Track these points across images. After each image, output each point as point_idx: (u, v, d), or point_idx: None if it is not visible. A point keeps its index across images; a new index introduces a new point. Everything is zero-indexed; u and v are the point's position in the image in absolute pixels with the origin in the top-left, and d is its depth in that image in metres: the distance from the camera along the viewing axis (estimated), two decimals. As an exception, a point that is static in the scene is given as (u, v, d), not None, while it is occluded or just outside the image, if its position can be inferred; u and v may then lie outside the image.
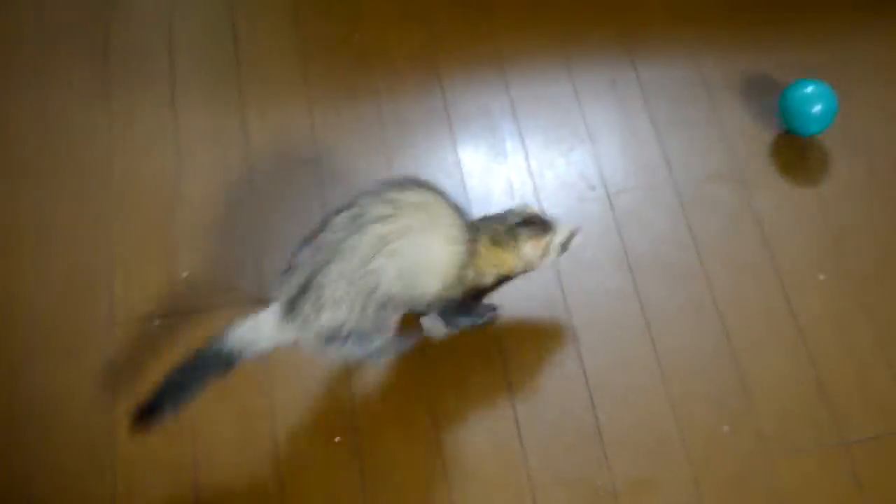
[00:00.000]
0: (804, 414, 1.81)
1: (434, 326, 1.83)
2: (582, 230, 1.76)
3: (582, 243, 1.77)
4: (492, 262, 1.70)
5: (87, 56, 2.18)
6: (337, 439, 1.75)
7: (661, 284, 1.93)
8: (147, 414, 1.58)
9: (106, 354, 1.81)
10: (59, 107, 2.11)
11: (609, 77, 2.20)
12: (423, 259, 1.62)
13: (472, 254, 1.67)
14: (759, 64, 2.22)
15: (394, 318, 1.70)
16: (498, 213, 1.74)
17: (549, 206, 1.98)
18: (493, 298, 1.83)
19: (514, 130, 2.11)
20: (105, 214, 1.97)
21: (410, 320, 1.83)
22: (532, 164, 2.07)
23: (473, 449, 1.76)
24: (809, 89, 2.05)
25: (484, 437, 1.77)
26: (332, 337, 1.60)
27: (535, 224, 1.71)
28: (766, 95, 2.16)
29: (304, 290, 1.56)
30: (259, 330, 1.60)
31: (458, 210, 1.67)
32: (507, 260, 1.71)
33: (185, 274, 1.89)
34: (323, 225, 1.59)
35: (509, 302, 1.87)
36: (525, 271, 1.75)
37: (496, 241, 1.69)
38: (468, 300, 1.76)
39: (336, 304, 1.56)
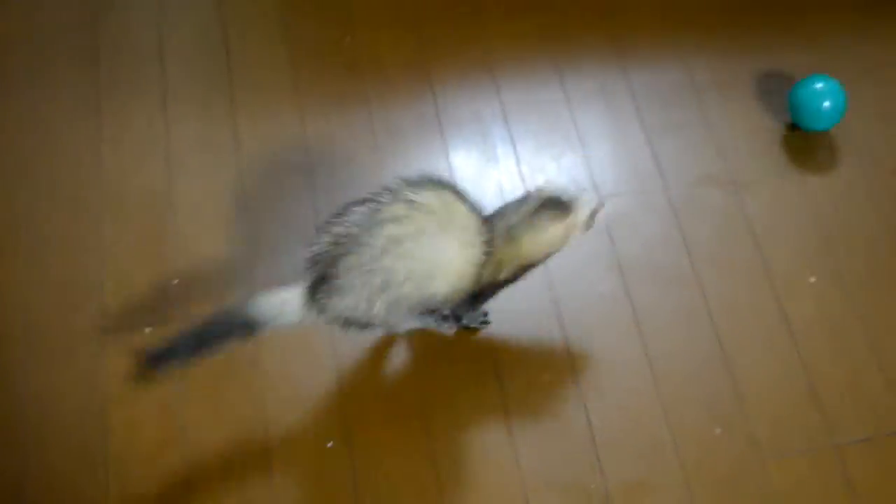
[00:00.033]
0: (796, 416, 1.81)
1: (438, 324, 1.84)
2: (605, 202, 1.72)
3: (610, 213, 1.75)
4: (512, 255, 1.69)
5: (78, 63, 2.18)
6: (329, 444, 1.75)
7: (652, 288, 1.93)
8: (156, 360, 1.59)
9: (97, 362, 1.81)
10: (50, 114, 2.11)
11: (600, 82, 2.21)
12: (434, 262, 1.62)
13: (489, 252, 1.66)
14: (749, 67, 2.23)
15: (407, 316, 1.71)
16: (516, 200, 1.71)
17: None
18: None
19: (505, 136, 2.11)
20: (96, 221, 1.97)
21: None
22: (523, 169, 2.07)
23: (466, 454, 1.76)
24: (820, 85, 2.07)
25: (476, 441, 1.77)
26: (349, 323, 1.65)
27: (555, 206, 1.68)
28: (757, 98, 2.17)
29: (322, 277, 1.60)
30: (284, 307, 1.63)
31: (475, 209, 1.66)
32: (528, 250, 1.69)
33: (175, 281, 1.89)
34: (341, 214, 1.61)
35: (501, 307, 1.87)
36: (551, 255, 1.73)
37: (513, 236, 1.67)
38: (481, 296, 1.76)
39: (347, 295, 1.60)
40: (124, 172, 2.04)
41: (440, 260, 1.62)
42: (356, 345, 1.84)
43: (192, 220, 1.98)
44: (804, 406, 1.82)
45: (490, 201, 1.96)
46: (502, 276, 1.71)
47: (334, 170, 2.05)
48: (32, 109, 2.12)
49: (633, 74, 2.21)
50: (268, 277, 1.88)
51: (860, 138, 2.14)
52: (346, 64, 2.20)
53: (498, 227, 1.67)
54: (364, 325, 1.67)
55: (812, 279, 1.96)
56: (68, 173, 2.04)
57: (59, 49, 2.20)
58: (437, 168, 2.05)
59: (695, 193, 2.05)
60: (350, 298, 1.60)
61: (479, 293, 1.74)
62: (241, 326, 1.62)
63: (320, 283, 1.60)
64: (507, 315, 1.88)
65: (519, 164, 2.08)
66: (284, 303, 1.63)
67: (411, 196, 1.60)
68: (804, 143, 2.13)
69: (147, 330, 1.84)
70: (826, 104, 2.06)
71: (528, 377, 1.83)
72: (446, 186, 1.65)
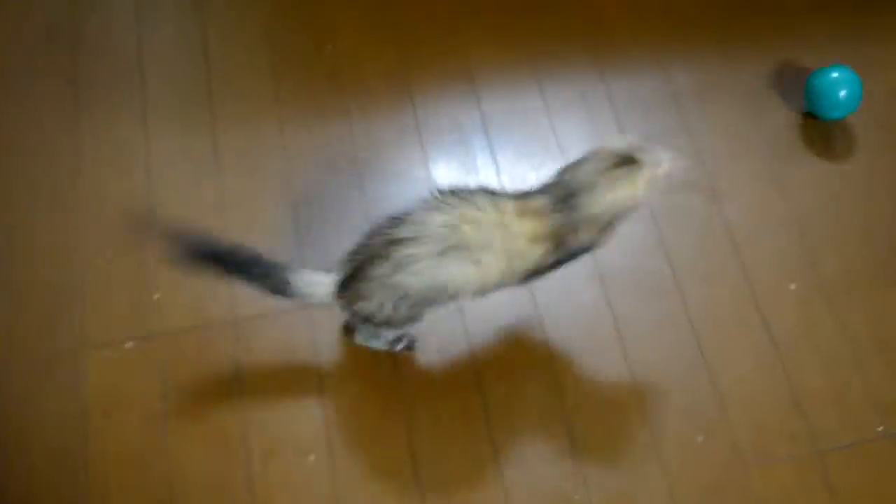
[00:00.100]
0: (778, 423, 1.82)
1: None
2: (674, 155, 1.67)
3: (682, 166, 1.70)
4: (585, 218, 1.64)
5: (57, 75, 2.17)
6: (311, 458, 1.74)
7: (633, 297, 1.94)
8: (187, 249, 1.66)
9: (78, 376, 1.80)
10: (29, 128, 2.10)
11: (579, 90, 2.21)
12: (443, 279, 1.63)
13: (552, 226, 1.64)
14: (728, 73, 2.24)
15: (433, 309, 1.72)
16: (576, 162, 1.67)
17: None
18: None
19: (485, 146, 2.11)
20: (76, 235, 1.96)
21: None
22: (503, 179, 2.07)
23: (448, 464, 1.76)
24: (836, 74, 2.11)
25: (459, 452, 1.77)
26: (368, 320, 1.70)
27: (626, 162, 1.63)
28: (735, 104, 2.18)
29: (351, 277, 1.65)
30: (316, 287, 1.70)
31: (505, 210, 1.64)
32: (603, 209, 1.64)
33: (156, 296, 1.88)
34: (382, 225, 1.66)
35: (483, 317, 1.88)
36: (628, 213, 1.68)
37: (584, 198, 1.63)
38: (560, 263, 1.73)
39: (369, 299, 1.65)
40: (103, 185, 2.03)
41: (448, 276, 1.63)
42: (340, 358, 1.84)
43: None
44: (786, 413, 1.83)
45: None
46: (583, 239, 1.68)
47: (314, 181, 2.04)
48: (10, 123, 2.11)
49: (612, 82, 2.22)
50: (250, 289, 1.89)
51: (838, 148, 2.16)
52: (327, 74, 2.20)
53: (558, 194, 1.64)
54: (381, 324, 1.71)
55: (792, 286, 1.97)
56: (47, 186, 2.02)
57: (36, 61, 2.19)
58: (418, 179, 2.05)
59: (675, 200, 2.05)
60: (372, 302, 1.66)
61: (559, 262, 1.72)
62: (275, 282, 1.69)
63: (348, 282, 1.66)
64: (489, 326, 1.88)
65: (499, 173, 2.08)
66: (319, 284, 1.70)
67: (425, 217, 1.63)
68: (782, 150, 2.14)
69: (129, 344, 1.83)
70: (843, 93, 2.11)
71: (510, 388, 1.83)
72: (467, 198, 1.65)
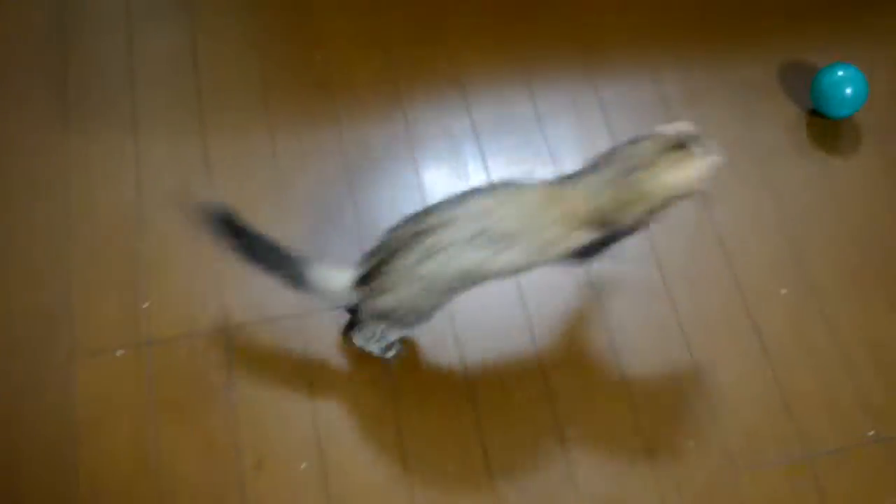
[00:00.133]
0: (769, 428, 1.82)
1: None
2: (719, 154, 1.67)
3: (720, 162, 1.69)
4: (634, 198, 1.64)
5: (46, 84, 2.16)
6: (303, 466, 1.74)
7: (624, 303, 1.94)
8: (216, 223, 1.70)
9: (68, 386, 1.80)
10: (18, 137, 2.10)
11: (569, 96, 2.21)
12: (472, 264, 1.63)
13: (594, 205, 1.64)
14: (718, 80, 2.25)
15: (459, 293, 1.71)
16: (627, 144, 1.67)
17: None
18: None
19: (476, 152, 2.12)
20: (65, 244, 1.95)
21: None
22: (494, 186, 2.07)
23: (439, 471, 1.75)
24: (841, 73, 2.13)
25: (450, 459, 1.77)
26: (383, 316, 1.70)
27: (679, 148, 1.63)
28: (724, 110, 2.19)
29: (376, 269, 1.65)
30: (331, 282, 1.70)
31: (540, 192, 1.66)
32: (654, 192, 1.64)
33: (145, 304, 1.88)
34: (407, 219, 1.66)
35: (473, 321, 1.88)
36: (677, 199, 1.67)
37: (636, 178, 1.62)
38: (603, 244, 1.73)
39: (393, 290, 1.65)
40: (92, 193, 2.02)
41: (470, 262, 1.63)
42: (331, 366, 1.84)
43: (163, 242, 1.97)
44: (777, 417, 1.83)
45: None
46: (631, 218, 1.67)
47: (304, 189, 2.04)
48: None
49: (602, 88, 2.22)
50: (240, 297, 1.89)
51: (824, 153, 2.16)
52: (317, 82, 2.20)
53: (614, 169, 1.64)
54: (394, 321, 1.71)
55: (783, 291, 1.97)
56: (37, 196, 2.02)
57: (25, 70, 2.19)
58: (408, 186, 2.05)
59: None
60: (398, 292, 1.65)
61: (603, 242, 1.71)
62: (290, 273, 1.70)
63: (371, 275, 1.65)
64: (480, 333, 1.88)
65: (490, 180, 2.08)
66: (334, 278, 1.70)
67: (460, 210, 1.63)
68: (773, 155, 2.14)
69: (119, 352, 1.83)
70: (848, 91, 2.13)
71: (501, 395, 1.83)
72: (495, 188, 1.67)
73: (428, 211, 1.65)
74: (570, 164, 2.07)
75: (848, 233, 2.06)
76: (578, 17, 2.32)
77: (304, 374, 1.83)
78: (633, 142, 1.66)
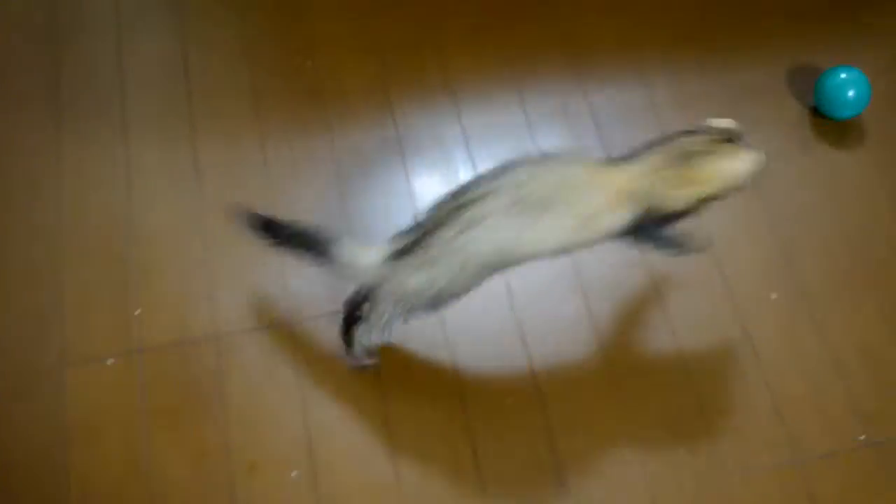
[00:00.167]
0: (760, 432, 1.83)
1: None
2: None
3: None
4: (686, 181, 1.66)
5: (38, 89, 2.16)
6: (294, 474, 1.74)
7: (614, 308, 1.94)
8: (255, 223, 1.73)
9: (59, 396, 1.79)
10: (9, 142, 2.09)
11: (560, 103, 2.22)
12: (512, 238, 1.63)
13: (640, 186, 1.65)
14: (708, 85, 2.26)
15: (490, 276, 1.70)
16: (681, 132, 1.70)
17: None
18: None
19: (466, 159, 2.12)
20: (56, 251, 1.95)
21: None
22: (485, 192, 2.07)
23: (430, 479, 1.76)
24: (844, 75, 2.16)
25: (441, 466, 1.77)
26: (405, 297, 1.67)
27: (732, 140, 1.68)
28: (714, 114, 2.18)
29: (412, 245, 1.64)
30: (358, 258, 1.69)
31: (587, 169, 1.67)
32: (709, 179, 1.67)
33: (137, 311, 1.88)
34: (444, 198, 1.66)
35: (464, 327, 1.88)
36: (728, 189, 1.69)
37: (691, 164, 1.66)
38: (654, 227, 1.73)
39: (428, 267, 1.63)
40: (84, 200, 2.02)
41: (531, 223, 1.62)
42: (322, 374, 1.84)
43: (154, 248, 1.97)
44: (768, 422, 1.84)
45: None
46: (676, 206, 1.68)
47: (295, 197, 2.04)
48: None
49: (592, 94, 2.23)
50: (232, 304, 1.89)
51: (810, 160, 2.17)
52: (308, 89, 2.20)
53: (656, 157, 1.67)
54: (419, 304, 1.69)
55: (773, 295, 1.98)
56: (28, 201, 2.02)
57: (17, 76, 2.19)
58: (400, 193, 2.06)
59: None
60: (437, 267, 1.63)
61: (648, 228, 1.72)
62: (319, 249, 1.70)
63: (409, 250, 1.64)
64: (470, 339, 1.88)
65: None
66: (362, 255, 1.69)
67: (506, 178, 1.63)
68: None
69: (110, 361, 1.83)
70: (851, 93, 2.16)
71: (492, 402, 1.83)
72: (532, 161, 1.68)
73: (468, 185, 1.66)
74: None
75: (838, 238, 2.06)
76: (568, 24, 2.33)
77: (295, 380, 1.83)
78: (686, 132, 1.69)
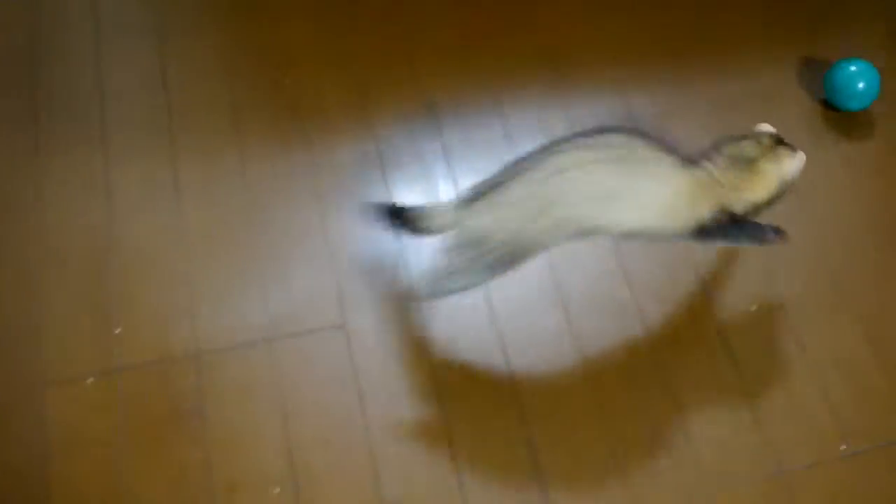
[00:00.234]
0: (742, 445, 1.83)
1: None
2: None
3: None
4: (745, 185, 1.77)
5: (16, 108, 2.15)
6: (276, 491, 1.73)
7: (594, 321, 1.95)
8: (384, 212, 1.83)
9: (38, 415, 1.78)
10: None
11: (540, 117, 2.22)
12: (616, 189, 1.69)
13: (707, 184, 1.75)
14: (687, 98, 2.27)
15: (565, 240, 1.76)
16: (731, 137, 1.80)
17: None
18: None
19: (447, 174, 2.12)
20: (34, 270, 1.94)
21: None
22: (466, 207, 2.08)
23: (413, 495, 1.75)
24: (854, 67, 2.21)
25: (423, 481, 1.76)
26: (476, 243, 1.71)
27: (784, 144, 1.79)
28: (695, 128, 2.20)
29: (485, 190, 1.71)
30: (434, 212, 1.77)
31: (666, 149, 1.74)
32: (767, 182, 1.78)
33: (117, 330, 1.87)
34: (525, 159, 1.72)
35: (445, 339, 1.89)
36: (781, 193, 1.81)
37: (753, 168, 1.76)
38: (717, 231, 1.81)
39: (506, 207, 1.69)
40: (63, 218, 2.01)
41: (623, 188, 1.69)
42: (303, 391, 1.83)
43: (134, 265, 1.96)
44: (749, 434, 1.84)
45: (432, 242, 1.97)
46: (737, 210, 1.78)
47: (275, 213, 2.04)
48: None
49: (572, 108, 2.23)
50: (212, 322, 1.88)
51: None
52: (288, 105, 2.20)
53: (718, 161, 1.76)
54: (483, 255, 1.72)
55: (753, 307, 1.98)
56: (4, 218, 2.01)
57: (-2, 92, 2.18)
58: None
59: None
60: (508, 212, 1.68)
61: (725, 228, 1.80)
62: (395, 216, 1.80)
63: (478, 197, 1.70)
64: (451, 351, 1.88)
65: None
66: (437, 210, 1.76)
67: (596, 139, 1.72)
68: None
69: (90, 380, 1.82)
70: (861, 85, 2.21)
71: (474, 415, 1.83)
72: (628, 131, 1.76)
73: (561, 138, 1.73)
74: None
75: (814, 251, 2.07)
76: (547, 39, 2.33)
77: (276, 398, 1.82)
78: (738, 137, 1.79)
